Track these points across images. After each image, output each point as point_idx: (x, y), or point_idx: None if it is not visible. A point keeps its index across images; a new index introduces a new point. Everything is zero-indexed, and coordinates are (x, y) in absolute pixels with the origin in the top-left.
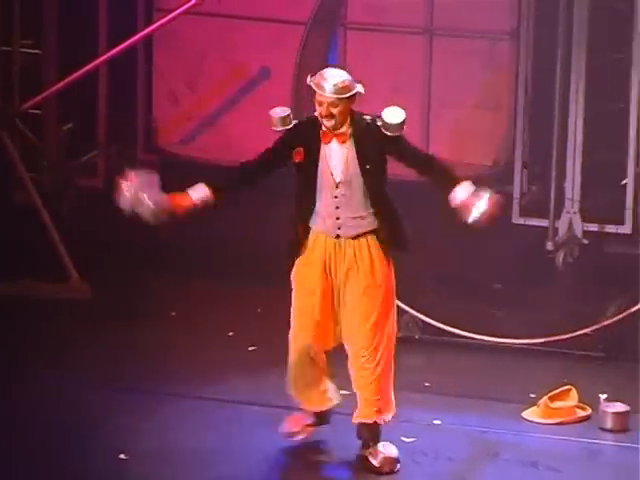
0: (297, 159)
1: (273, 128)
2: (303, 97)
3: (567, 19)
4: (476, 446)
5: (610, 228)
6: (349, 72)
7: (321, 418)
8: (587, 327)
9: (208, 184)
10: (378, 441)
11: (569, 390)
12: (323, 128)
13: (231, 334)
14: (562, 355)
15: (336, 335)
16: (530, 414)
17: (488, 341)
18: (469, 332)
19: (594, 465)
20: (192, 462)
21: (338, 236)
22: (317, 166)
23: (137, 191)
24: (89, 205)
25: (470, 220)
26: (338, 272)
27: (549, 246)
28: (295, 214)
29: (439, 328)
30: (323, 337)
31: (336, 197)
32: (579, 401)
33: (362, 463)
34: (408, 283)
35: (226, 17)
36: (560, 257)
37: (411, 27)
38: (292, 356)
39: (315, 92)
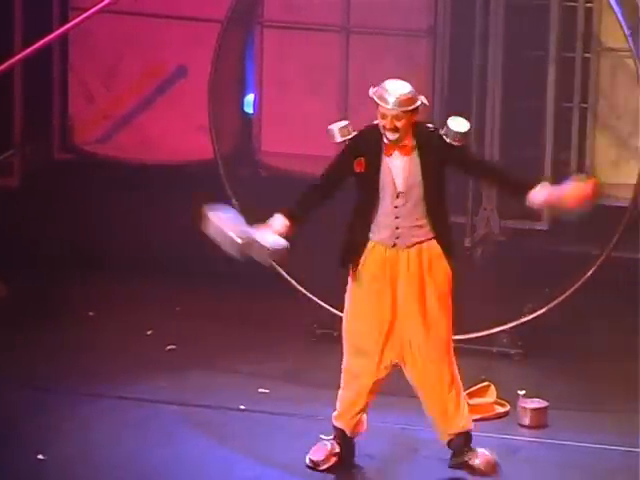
0: (358, 169)
1: (333, 140)
2: (219, 95)
3: (484, 16)
4: (396, 443)
5: (527, 224)
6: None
7: (348, 447)
8: (505, 324)
9: (284, 213)
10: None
11: (487, 387)
12: (385, 140)
13: (150, 333)
14: (480, 352)
15: (394, 349)
16: None
17: None
18: None
19: (513, 461)
20: (110, 462)
21: (394, 245)
22: (379, 176)
23: (222, 227)
24: (5, 204)
25: (573, 208)
26: (397, 281)
27: (467, 243)
28: (354, 224)
29: None
30: (378, 348)
31: (396, 207)
32: (497, 397)
33: (460, 468)
34: (326, 280)
35: (142, 15)
36: (478, 254)
37: (328, 25)
38: (345, 369)
39: (377, 104)
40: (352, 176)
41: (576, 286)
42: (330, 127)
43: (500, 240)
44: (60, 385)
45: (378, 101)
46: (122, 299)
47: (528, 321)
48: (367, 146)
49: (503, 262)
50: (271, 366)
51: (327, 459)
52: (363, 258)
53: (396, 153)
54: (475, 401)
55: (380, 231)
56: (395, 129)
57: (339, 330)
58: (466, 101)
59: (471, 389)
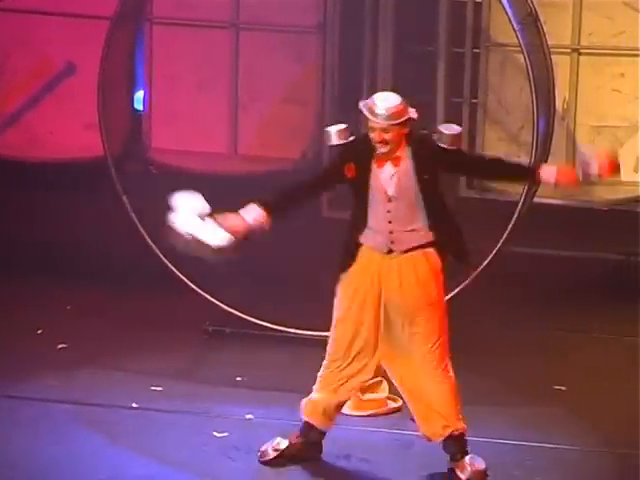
0: (349, 174)
1: (329, 143)
2: (109, 93)
3: (373, 12)
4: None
5: None
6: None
7: (314, 441)
8: None
9: (260, 204)
10: (466, 452)
11: (380, 382)
12: (378, 151)
13: (40, 332)
14: None
15: (379, 352)
16: None
17: (299, 334)
18: (280, 325)
19: (406, 456)
20: (1, 461)
21: (390, 251)
22: (369, 182)
23: (191, 233)
24: None
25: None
26: (386, 290)
27: None
28: (349, 229)
29: (250, 322)
30: (364, 349)
31: (389, 211)
32: (390, 393)
33: (450, 475)
34: (218, 277)
35: (29, 13)
36: None
37: (217, 21)
38: (328, 356)
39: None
40: (344, 182)
41: (467, 281)
42: (328, 129)
43: None
44: None
45: (367, 114)
46: (13, 298)
47: None
48: (359, 153)
49: None
50: (163, 364)
51: (266, 452)
52: (356, 262)
53: (388, 164)
54: (368, 396)
55: (374, 236)
56: (384, 142)
57: (231, 327)
58: (356, 97)
59: (363, 384)
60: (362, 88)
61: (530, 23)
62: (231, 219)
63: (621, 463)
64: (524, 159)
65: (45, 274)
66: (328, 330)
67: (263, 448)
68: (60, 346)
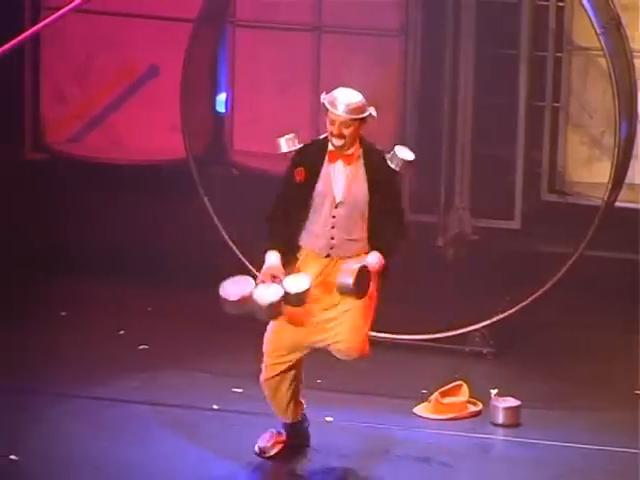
0: (298, 179)
1: (279, 151)
2: (191, 95)
3: (455, 15)
4: (368, 442)
5: (499, 224)
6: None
7: (296, 436)
8: (478, 323)
9: (277, 250)
10: None
11: (460, 386)
12: (330, 147)
13: (122, 333)
14: (453, 351)
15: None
16: (421, 410)
17: (380, 337)
18: None
19: (486, 460)
20: (83, 462)
21: (328, 255)
22: (318, 184)
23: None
24: None
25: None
26: (326, 289)
27: (439, 242)
28: (289, 228)
29: None
30: (301, 342)
31: (334, 217)
32: (470, 396)
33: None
34: None
35: (114, 15)
36: (450, 253)
37: (300, 24)
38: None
39: (328, 110)
40: (296, 187)
41: (548, 285)
42: (277, 139)
43: (472, 239)
44: (33, 385)
45: (328, 107)
46: (94, 299)
47: (500, 320)
48: (310, 156)
49: (475, 261)
50: (244, 366)
51: (273, 446)
52: (296, 266)
53: (339, 162)
54: (448, 400)
55: (314, 240)
56: (342, 136)
57: None
58: (438, 100)
59: (444, 388)
60: (444, 91)
61: (613, 27)
62: (269, 276)
63: None
64: (606, 163)
65: (126, 275)
66: (406, 333)
67: (261, 445)
68: (141, 347)
